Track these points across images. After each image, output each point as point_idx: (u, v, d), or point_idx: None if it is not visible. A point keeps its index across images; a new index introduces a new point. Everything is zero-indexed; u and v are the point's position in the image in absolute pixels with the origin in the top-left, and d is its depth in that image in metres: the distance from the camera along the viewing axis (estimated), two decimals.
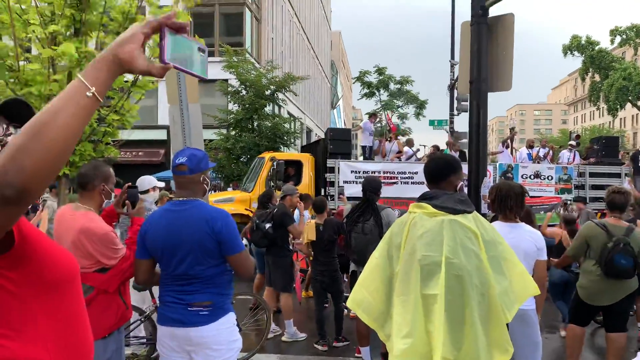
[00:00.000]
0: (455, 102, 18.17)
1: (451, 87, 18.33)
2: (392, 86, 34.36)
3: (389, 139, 13.87)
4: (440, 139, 32.56)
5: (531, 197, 10.09)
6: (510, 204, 3.62)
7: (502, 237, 2.64)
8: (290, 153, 13.53)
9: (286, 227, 6.03)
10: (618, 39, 45.03)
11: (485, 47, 5.46)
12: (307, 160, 11.75)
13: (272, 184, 10.81)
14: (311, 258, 6.19)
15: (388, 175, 11.54)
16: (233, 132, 18.25)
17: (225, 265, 2.62)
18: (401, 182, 11.50)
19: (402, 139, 14.43)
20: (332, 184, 11.21)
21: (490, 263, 2.46)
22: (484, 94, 5.54)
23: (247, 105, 17.37)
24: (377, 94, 34.45)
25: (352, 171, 11.56)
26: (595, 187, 12.08)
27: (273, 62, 20.10)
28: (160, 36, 1.11)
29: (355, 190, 11.09)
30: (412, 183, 11.50)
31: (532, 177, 12.04)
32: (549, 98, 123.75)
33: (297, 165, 11.63)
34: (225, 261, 2.61)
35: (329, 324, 6.07)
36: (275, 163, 11.02)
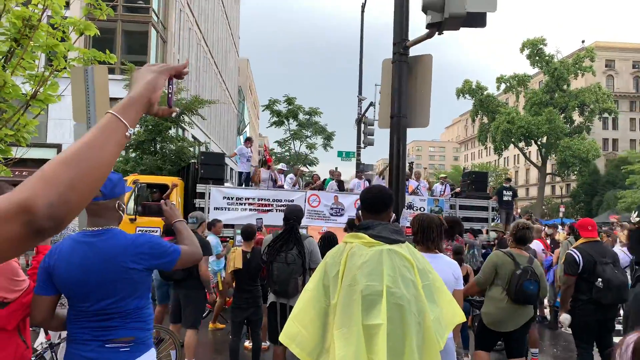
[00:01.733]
0: (362, 135, 18.72)
1: (359, 121, 18.88)
2: (301, 116, 35.03)
3: (267, 167, 13.67)
4: (349, 170, 33.53)
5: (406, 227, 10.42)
6: (432, 235, 3.71)
7: (431, 265, 2.69)
8: (156, 176, 12.97)
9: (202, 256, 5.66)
10: (503, 86, 49.77)
11: (406, 84, 5.60)
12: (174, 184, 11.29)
13: (136, 207, 10.37)
14: (220, 288, 5.87)
15: (263, 202, 11.45)
16: (133, 154, 17.23)
17: (147, 298, 2.35)
18: (276, 209, 11.34)
19: (277, 167, 14.49)
20: (202, 209, 10.74)
21: (424, 292, 2.49)
22: (404, 129, 5.66)
23: (150, 127, 16.51)
24: (286, 123, 34.89)
25: (224, 197, 11.26)
26: (465, 219, 12.07)
27: (179, 83, 19.43)
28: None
29: (229, 216, 10.96)
30: None
31: (405, 208, 12.19)
32: (443, 136, 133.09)
33: (165, 189, 11.01)
34: (148, 294, 2.34)
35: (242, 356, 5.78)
36: (137, 186, 10.55)
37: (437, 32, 5.30)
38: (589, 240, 5.19)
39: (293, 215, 5.00)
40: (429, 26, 5.26)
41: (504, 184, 14.60)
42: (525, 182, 72.63)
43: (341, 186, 14.32)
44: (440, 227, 3.82)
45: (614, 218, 20.36)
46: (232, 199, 11.26)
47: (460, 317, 2.76)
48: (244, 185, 13.18)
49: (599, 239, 5.52)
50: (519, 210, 17.47)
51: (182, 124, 18.68)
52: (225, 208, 11.11)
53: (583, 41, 54.11)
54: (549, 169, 52.17)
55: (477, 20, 5.20)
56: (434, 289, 2.59)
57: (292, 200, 11.36)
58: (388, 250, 2.46)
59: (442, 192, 14.26)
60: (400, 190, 5.67)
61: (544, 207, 51.39)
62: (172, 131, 17.98)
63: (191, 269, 5.60)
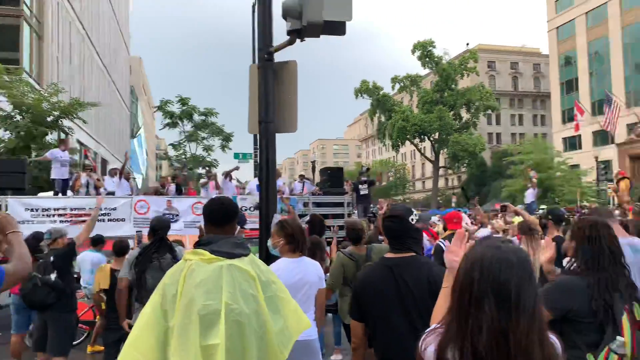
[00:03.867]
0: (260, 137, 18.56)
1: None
2: (196, 117, 33.97)
3: (89, 171, 12.89)
4: (247, 172, 33.18)
5: (250, 229, 9.43)
6: (295, 239, 3.75)
7: (276, 276, 2.68)
8: None
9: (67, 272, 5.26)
10: (397, 86, 52.15)
11: (272, 90, 5.59)
12: None
13: None
14: (103, 307, 5.52)
15: (76, 212, 10.17)
16: None
17: None
18: (101, 219, 10.05)
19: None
20: None
21: (267, 304, 2.46)
22: (272, 134, 5.66)
23: (22, 133, 15.09)
24: (180, 124, 33.65)
25: (27, 209, 9.85)
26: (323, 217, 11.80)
27: (58, 84, 17.98)
28: None
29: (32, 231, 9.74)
30: (110, 220, 10.40)
31: (252, 209, 11.10)
32: (346, 134, 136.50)
33: None
34: None
35: None
36: None
37: (299, 39, 5.35)
38: (454, 232, 5.51)
39: (161, 225, 4.92)
40: (289, 33, 5.30)
41: (359, 179, 14.50)
42: (422, 176, 76.73)
43: (217, 185, 13.82)
44: (303, 231, 3.89)
45: (498, 205, 21.80)
46: (36, 210, 9.91)
47: (306, 324, 2.76)
48: (60, 194, 11.73)
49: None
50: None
51: (63, 129, 17.34)
52: (30, 221, 9.64)
53: (467, 44, 58.16)
54: (442, 163, 55.48)
55: (336, 28, 5.31)
56: (278, 299, 2.57)
57: (115, 209, 10.39)
58: (228, 266, 2.40)
59: (302, 191, 14.11)
60: (271, 195, 5.66)
61: (438, 198, 54.56)
62: (49, 137, 16.63)
63: (63, 289, 5.17)
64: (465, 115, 51.61)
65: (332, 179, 14.09)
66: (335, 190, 13.43)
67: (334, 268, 4.92)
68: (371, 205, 14.41)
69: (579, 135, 44.78)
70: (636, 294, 2.83)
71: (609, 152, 41.09)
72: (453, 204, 45.26)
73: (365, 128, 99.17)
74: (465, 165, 54.18)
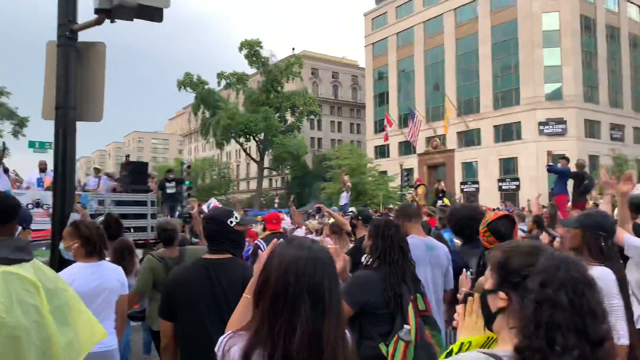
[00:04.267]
0: None
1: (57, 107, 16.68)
2: None
3: None
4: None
5: (33, 230, 8.13)
6: (94, 241, 3.46)
7: (66, 283, 2.40)
8: None
9: None
10: (224, 82, 51.59)
11: (74, 72, 5.00)
12: None
13: None
14: None
15: None
16: None
17: None
18: None
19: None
20: None
21: (53, 315, 2.16)
22: (72, 123, 5.05)
23: None
24: None
25: None
26: (123, 217, 9.14)
27: None
28: None
29: None
30: None
31: (29, 206, 9.48)
32: (166, 128, 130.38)
33: None
34: None
35: None
36: None
37: (108, 19, 4.88)
38: (273, 232, 5.57)
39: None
40: (97, 11, 4.80)
41: (165, 176, 13.90)
42: (247, 176, 77.25)
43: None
44: (102, 234, 3.60)
45: (316, 206, 22.65)
46: None
47: (101, 335, 2.46)
48: None
49: (282, 231, 6.02)
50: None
51: None
52: None
53: (293, 49, 60.33)
54: (266, 164, 56.53)
55: (152, 13, 4.97)
56: (67, 309, 2.26)
57: None
58: (4, 273, 2.03)
59: (97, 187, 12.80)
60: (68, 192, 5.04)
61: (262, 199, 55.48)
62: None
63: None
64: (290, 118, 53.34)
65: (135, 175, 12.61)
66: (137, 187, 12.09)
67: (142, 272, 4.59)
68: (183, 205, 13.56)
69: (388, 145, 49.78)
70: (419, 286, 3.17)
71: (412, 161, 46.66)
72: (276, 205, 46.50)
73: (189, 123, 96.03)
74: (288, 167, 56.08)
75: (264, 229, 6.35)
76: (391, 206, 28.99)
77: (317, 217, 13.17)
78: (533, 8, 41.17)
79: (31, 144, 17.08)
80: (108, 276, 3.48)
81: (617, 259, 3.06)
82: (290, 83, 52.96)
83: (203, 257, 2.86)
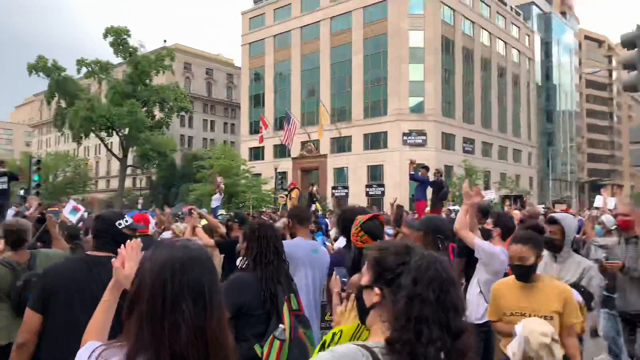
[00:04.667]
0: None
1: None
2: None
3: None
4: None
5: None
6: None
7: None
8: None
9: None
10: (84, 70, 47.08)
11: None
12: None
13: None
14: None
15: None
16: None
17: None
18: None
19: None
20: None
21: None
22: None
23: None
24: None
25: None
26: None
27: None
28: None
29: None
30: None
31: None
32: (13, 116, 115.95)
33: None
34: None
35: None
36: None
37: None
38: (140, 235, 5.24)
39: None
40: None
41: None
42: (107, 174, 71.63)
43: None
44: None
45: (186, 208, 21.76)
46: None
47: None
48: None
49: (150, 233, 5.89)
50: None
51: None
52: None
53: (165, 40, 57.38)
54: (130, 161, 52.81)
55: None
56: None
57: None
58: None
59: None
60: None
61: (124, 199, 51.82)
62: None
63: None
64: (158, 114, 50.54)
65: None
66: None
67: None
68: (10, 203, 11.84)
69: (263, 147, 49.69)
70: (292, 286, 3.33)
71: (286, 164, 47.08)
72: (139, 206, 43.61)
73: (40, 112, 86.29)
74: (155, 165, 53.06)
75: None
76: (264, 209, 28.93)
77: (186, 219, 12.38)
78: (401, 25, 44.32)
79: None
80: None
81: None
82: (160, 76, 50.20)
83: (87, 252, 2.92)
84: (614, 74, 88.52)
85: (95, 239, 2.92)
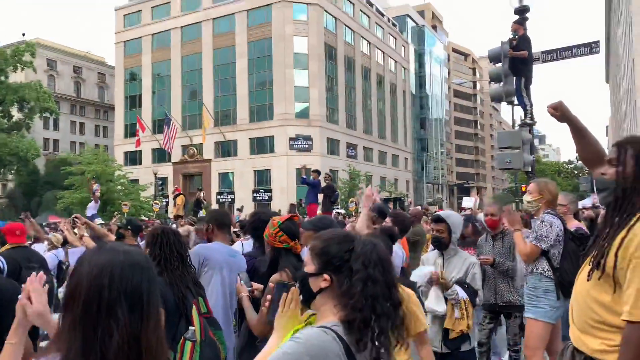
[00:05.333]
0: None
1: None
2: None
3: None
4: None
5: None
6: None
7: None
8: None
9: None
10: None
11: None
12: None
13: None
14: None
15: None
16: None
17: None
18: None
19: None
20: None
21: None
22: None
23: None
24: None
25: None
26: None
27: None
28: None
29: None
30: None
31: None
32: None
33: None
34: None
35: None
36: None
37: None
38: (16, 245, 5.12)
39: None
40: None
41: None
42: None
43: None
44: None
45: (54, 219, 19.76)
46: None
47: None
48: None
49: (26, 244, 5.67)
50: None
51: None
52: None
53: (24, 34, 52.00)
54: None
55: None
56: None
57: None
58: None
59: None
60: None
61: None
62: None
63: None
64: (17, 114, 45.84)
65: None
66: None
67: None
68: None
69: (140, 151, 46.86)
70: (201, 290, 3.42)
71: (166, 169, 44.74)
72: None
73: None
74: (13, 171, 47.81)
75: (4, 242, 5.35)
76: (144, 217, 27.12)
77: (62, 229, 11.32)
78: (286, 30, 44.57)
79: None
80: None
81: None
82: (19, 74, 45.27)
83: None
84: (478, 85, 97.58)
85: None
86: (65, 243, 8.12)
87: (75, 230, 7.29)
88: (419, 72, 73.15)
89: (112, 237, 6.33)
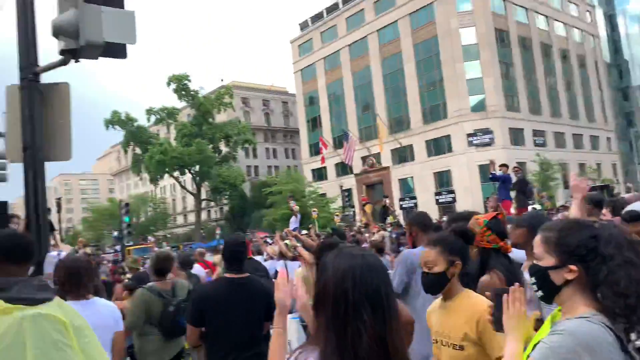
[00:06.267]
0: None
1: None
2: None
3: None
4: None
5: None
6: (83, 280, 3.30)
7: (85, 320, 2.30)
8: None
9: None
10: (153, 118, 50.54)
11: (39, 114, 4.87)
12: None
13: None
14: None
15: None
16: None
17: None
18: None
19: None
20: None
21: (84, 353, 2.11)
22: (41, 163, 4.92)
23: None
24: None
25: None
26: None
27: None
28: None
29: None
30: None
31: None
32: (95, 168, 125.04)
33: None
34: None
35: None
36: None
37: (73, 60, 4.79)
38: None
39: None
40: (62, 52, 4.71)
41: None
42: (183, 209, 75.26)
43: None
44: (90, 269, 3.50)
45: (261, 234, 22.54)
46: None
47: None
48: None
49: (251, 257, 6.20)
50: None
51: None
52: None
53: (222, 80, 60.13)
54: (203, 195, 55.44)
55: (117, 50, 4.95)
56: (92, 346, 2.20)
57: None
58: (33, 316, 1.95)
59: None
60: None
61: (201, 231, 54.20)
62: None
63: None
64: (224, 148, 52.90)
65: None
66: None
67: (134, 306, 4.43)
68: None
69: (325, 167, 50.31)
70: None
71: (350, 181, 47.40)
72: (217, 237, 45.49)
73: (118, 161, 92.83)
74: (226, 197, 55.29)
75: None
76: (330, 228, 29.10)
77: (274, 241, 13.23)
78: (451, 25, 43.30)
79: None
80: (101, 313, 3.35)
81: None
82: (222, 114, 52.68)
83: (225, 275, 3.73)
84: None
85: (226, 263, 3.77)
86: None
87: (287, 242, 8.79)
88: (612, 37, 63.99)
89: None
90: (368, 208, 19.50)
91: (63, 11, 4.65)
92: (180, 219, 75.11)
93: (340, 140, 46.11)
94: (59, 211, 33.57)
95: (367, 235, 13.26)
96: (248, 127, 54.56)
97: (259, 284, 3.78)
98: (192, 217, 63.63)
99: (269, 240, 15.81)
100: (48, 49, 5.25)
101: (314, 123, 56.45)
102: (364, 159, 47.94)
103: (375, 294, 1.42)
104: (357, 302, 1.40)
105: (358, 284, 1.42)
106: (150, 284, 4.60)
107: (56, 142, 5.03)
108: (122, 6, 4.86)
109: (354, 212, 37.98)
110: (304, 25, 58.97)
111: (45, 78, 5.05)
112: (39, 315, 1.99)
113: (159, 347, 4.42)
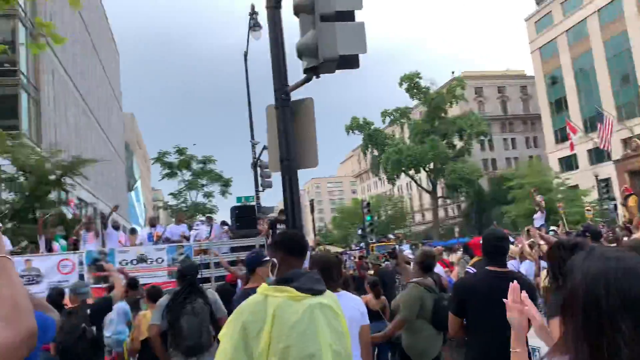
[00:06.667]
0: (260, 179, 18.62)
1: (254, 165, 18.77)
2: (194, 165, 34.47)
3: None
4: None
5: (141, 284, 7.95)
6: (333, 274, 3.58)
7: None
8: None
9: None
10: (388, 119, 52.80)
11: (291, 128, 5.61)
12: None
13: None
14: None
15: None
16: (10, 225, 15.61)
17: None
18: None
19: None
20: None
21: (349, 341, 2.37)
22: (294, 171, 5.67)
23: (27, 194, 15.13)
24: (179, 173, 34.14)
25: None
26: (232, 263, 8.80)
27: (57, 145, 18.22)
28: None
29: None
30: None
31: (134, 262, 9.64)
32: (339, 171, 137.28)
33: None
34: None
35: None
36: None
37: (314, 76, 5.38)
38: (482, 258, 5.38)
39: (191, 271, 5.11)
40: (306, 71, 5.34)
41: (278, 217, 12.41)
42: (420, 207, 76.55)
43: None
44: (338, 264, 3.81)
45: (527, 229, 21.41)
46: None
47: None
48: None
49: None
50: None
51: (65, 187, 17.40)
52: None
53: (453, 72, 59.18)
54: (439, 193, 55.49)
55: (350, 62, 5.37)
56: (348, 336, 2.44)
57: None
58: (320, 305, 2.25)
59: (209, 235, 11.92)
60: (299, 229, 5.61)
61: (440, 229, 54.31)
62: (52, 195, 16.63)
63: (100, 346, 4.91)
64: (458, 143, 52.07)
65: (242, 218, 12.30)
66: (244, 232, 11.59)
67: (410, 299, 4.71)
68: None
69: (574, 155, 45.00)
70: None
71: (607, 170, 41.13)
72: (456, 235, 45.00)
73: (359, 164, 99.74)
74: (463, 193, 54.22)
75: (472, 256, 6.28)
76: (590, 223, 25.83)
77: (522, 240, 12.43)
78: None
79: (238, 199, 19.55)
80: (349, 307, 3.46)
81: None
82: (454, 107, 51.99)
83: (486, 267, 3.78)
84: None
85: (487, 256, 3.84)
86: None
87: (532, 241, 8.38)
88: None
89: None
90: (632, 200, 16.64)
91: (304, 33, 5.28)
92: (418, 217, 76.65)
93: (592, 122, 40.60)
94: (312, 211, 37.88)
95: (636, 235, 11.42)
96: (481, 118, 52.54)
97: (521, 279, 3.63)
98: (429, 215, 64.26)
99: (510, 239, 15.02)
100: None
101: (559, 105, 51.04)
102: (625, 141, 41.29)
103: (636, 303, 1.23)
104: (613, 311, 1.23)
105: (612, 291, 1.25)
106: (417, 279, 4.82)
107: (305, 152, 5.73)
108: (352, 19, 5.26)
109: (614, 205, 33.00)
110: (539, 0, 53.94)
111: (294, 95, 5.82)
112: (322, 304, 2.27)
113: (429, 343, 4.63)
